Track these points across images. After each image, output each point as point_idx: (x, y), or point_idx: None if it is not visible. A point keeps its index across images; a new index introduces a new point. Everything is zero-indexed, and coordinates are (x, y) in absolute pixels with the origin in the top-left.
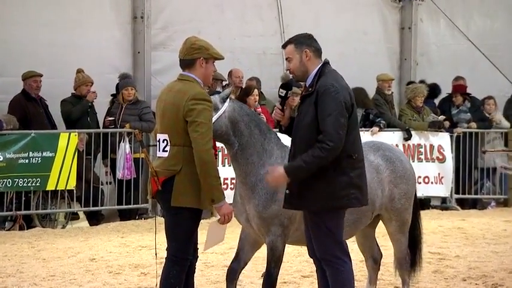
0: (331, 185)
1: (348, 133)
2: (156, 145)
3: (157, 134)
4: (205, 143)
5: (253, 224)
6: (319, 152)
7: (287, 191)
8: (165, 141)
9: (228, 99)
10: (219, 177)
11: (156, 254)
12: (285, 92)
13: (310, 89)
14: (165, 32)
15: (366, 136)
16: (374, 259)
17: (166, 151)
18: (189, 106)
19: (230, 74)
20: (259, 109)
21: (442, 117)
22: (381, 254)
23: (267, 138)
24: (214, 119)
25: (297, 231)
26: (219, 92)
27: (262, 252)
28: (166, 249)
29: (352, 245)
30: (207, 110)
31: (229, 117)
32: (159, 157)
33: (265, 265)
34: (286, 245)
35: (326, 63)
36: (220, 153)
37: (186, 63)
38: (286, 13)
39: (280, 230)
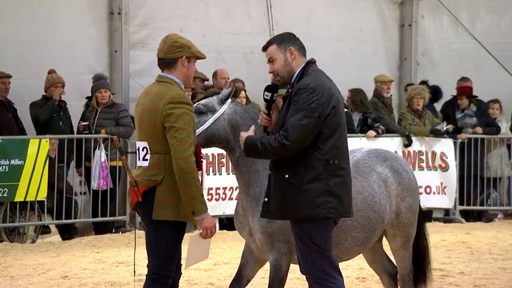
0: (305, 193)
1: (326, 137)
2: (135, 152)
3: (137, 142)
4: (184, 150)
5: (256, 239)
6: (273, 142)
7: (265, 199)
8: (145, 149)
9: (229, 101)
10: (201, 187)
11: (134, 271)
12: (270, 94)
13: (290, 90)
14: (145, 30)
15: (362, 142)
16: (389, 274)
17: (147, 160)
18: (167, 111)
19: (215, 74)
20: None
21: (449, 126)
22: (395, 267)
23: None
24: (210, 122)
25: None
26: (218, 93)
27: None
28: (147, 266)
29: (348, 261)
30: (186, 113)
31: (229, 121)
32: (139, 166)
33: (268, 284)
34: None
35: (310, 63)
36: (204, 161)
37: (166, 62)
38: (275, 9)
39: (286, 247)
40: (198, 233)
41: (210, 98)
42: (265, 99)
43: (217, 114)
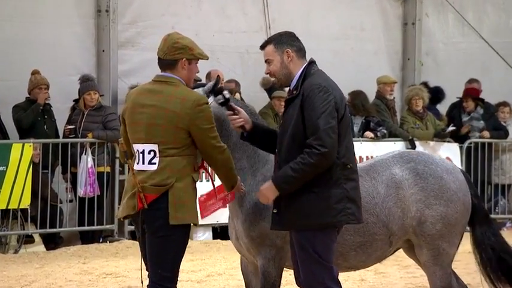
0: (325, 199)
1: (340, 140)
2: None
3: (138, 145)
4: (222, 144)
5: (242, 243)
6: (309, 158)
7: (274, 210)
8: (152, 152)
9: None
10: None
11: (142, 282)
12: (222, 97)
13: (295, 92)
14: (134, 28)
15: (363, 147)
16: None
17: (155, 164)
18: (197, 114)
19: (208, 75)
20: None
21: (451, 128)
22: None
23: None
24: None
25: None
26: (204, 85)
27: None
28: (148, 276)
29: (349, 272)
30: (210, 111)
31: (215, 114)
32: (142, 171)
33: None
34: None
35: (312, 63)
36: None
37: (167, 63)
38: (272, 6)
39: (273, 252)
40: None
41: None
42: (221, 104)
43: None
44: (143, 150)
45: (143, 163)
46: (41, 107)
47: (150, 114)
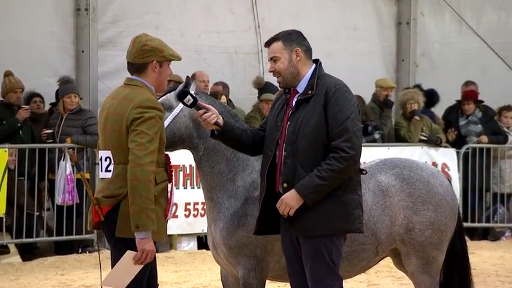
0: (345, 205)
1: None
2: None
3: (99, 151)
4: (142, 156)
5: (219, 252)
6: (338, 163)
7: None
8: (108, 159)
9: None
10: (152, 201)
11: None
12: (190, 98)
13: (310, 92)
14: (115, 27)
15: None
16: None
17: (110, 171)
18: (134, 115)
19: (193, 77)
20: None
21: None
22: None
23: None
24: (168, 121)
25: (279, 264)
26: (175, 89)
27: None
28: None
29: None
30: (154, 119)
31: (191, 116)
32: (102, 179)
33: None
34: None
35: (320, 64)
36: (181, 173)
37: (136, 67)
38: (261, 5)
39: (253, 262)
40: (133, 253)
41: (166, 95)
42: (191, 105)
43: (175, 111)
44: (101, 157)
45: (101, 170)
46: (19, 125)
47: (104, 119)
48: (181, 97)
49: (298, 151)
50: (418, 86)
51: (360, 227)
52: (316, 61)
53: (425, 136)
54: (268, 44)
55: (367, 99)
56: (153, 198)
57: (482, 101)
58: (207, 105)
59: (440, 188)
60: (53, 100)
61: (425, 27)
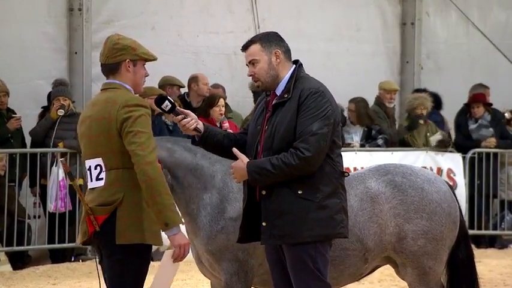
0: (325, 209)
1: (338, 147)
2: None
3: (86, 161)
4: (148, 154)
5: (204, 262)
6: (291, 158)
7: (263, 223)
8: (99, 167)
9: None
10: (171, 195)
11: None
12: (169, 104)
13: (286, 95)
14: (110, 28)
15: (359, 157)
16: None
17: (102, 179)
18: (123, 115)
19: (195, 79)
20: (226, 123)
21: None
22: None
23: (197, 153)
24: None
25: (263, 267)
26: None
27: None
28: None
29: None
30: (144, 116)
31: None
32: (92, 189)
33: None
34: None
35: (300, 65)
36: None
37: (109, 68)
38: (261, 5)
39: (236, 266)
40: (170, 252)
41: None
42: (168, 111)
43: None
44: (90, 167)
45: (91, 180)
46: (9, 135)
47: (88, 126)
48: (159, 103)
49: (272, 155)
50: (424, 90)
51: (343, 231)
52: (296, 62)
53: (440, 135)
54: (245, 47)
55: (370, 101)
56: (169, 192)
57: (492, 104)
58: (185, 111)
59: (436, 194)
60: (45, 103)
61: (431, 28)
